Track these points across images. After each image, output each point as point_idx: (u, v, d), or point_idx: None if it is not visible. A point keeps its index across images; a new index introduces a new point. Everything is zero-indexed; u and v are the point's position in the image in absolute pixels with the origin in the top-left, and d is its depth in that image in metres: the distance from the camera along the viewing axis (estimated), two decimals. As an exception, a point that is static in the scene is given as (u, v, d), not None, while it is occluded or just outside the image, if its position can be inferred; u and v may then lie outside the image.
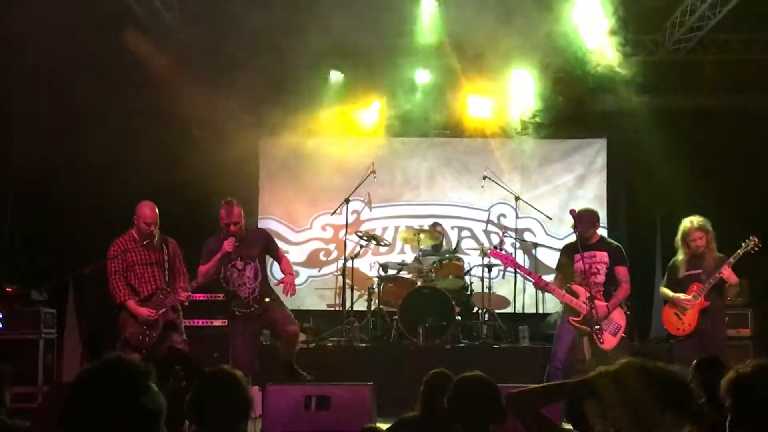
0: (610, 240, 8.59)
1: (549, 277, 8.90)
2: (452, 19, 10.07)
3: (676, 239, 8.20)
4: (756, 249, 7.89)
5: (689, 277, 8.03)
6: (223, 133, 10.71)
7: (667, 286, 8.22)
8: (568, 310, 8.13)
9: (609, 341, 7.89)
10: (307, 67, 10.48)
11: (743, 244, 7.90)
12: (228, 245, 7.58)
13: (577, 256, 8.04)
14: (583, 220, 8.17)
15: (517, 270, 9.53)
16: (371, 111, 11.90)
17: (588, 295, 7.84)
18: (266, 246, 8.00)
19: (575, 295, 8.00)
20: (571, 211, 8.14)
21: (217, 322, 9.54)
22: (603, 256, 8.17)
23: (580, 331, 7.97)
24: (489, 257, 10.41)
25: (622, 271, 8.20)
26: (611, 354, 7.83)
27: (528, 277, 8.77)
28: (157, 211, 7.69)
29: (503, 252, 9.08)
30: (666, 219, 11.49)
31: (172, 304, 7.59)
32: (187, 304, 7.75)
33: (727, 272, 7.86)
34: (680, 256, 8.13)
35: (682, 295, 7.96)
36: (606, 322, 7.94)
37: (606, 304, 7.99)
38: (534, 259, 11.56)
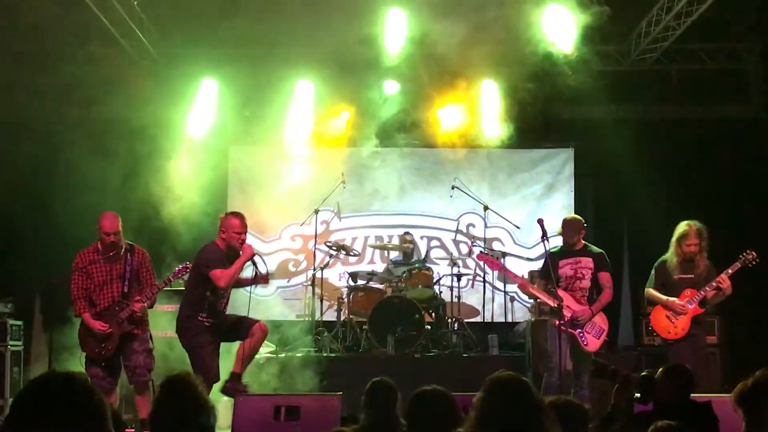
0: (594, 246, 8.46)
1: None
2: (421, 29, 10.10)
3: (671, 240, 8.10)
4: (754, 263, 7.85)
5: (682, 281, 8.00)
6: (192, 143, 10.67)
7: (655, 287, 8.16)
8: (553, 314, 8.06)
9: (593, 343, 7.98)
10: (276, 76, 10.46)
11: (741, 257, 7.87)
12: (250, 249, 7.59)
13: (563, 262, 8.10)
14: (568, 227, 8.22)
15: (506, 275, 9.42)
16: (340, 121, 11.89)
17: (572, 299, 7.94)
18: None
19: (560, 299, 7.98)
20: (539, 221, 8.15)
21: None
22: (588, 261, 8.17)
23: (565, 333, 7.90)
24: (470, 262, 10.38)
25: (605, 277, 8.19)
26: (594, 356, 7.86)
27: (515, 280, 8.74)
28: (118, 221, 7.56)
29: (491, 256, 9.05)
30: (632, 228, 11.60)
31: (127, 316, 7.49)
32: (140, 314, 7.60)
33: (727, 283, 7.83)
34: (672, 258, 8.07)
35: (676, 300, 7.93)
36: (589, 325, 7.99)
37: (589, 307, 8.02)
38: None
